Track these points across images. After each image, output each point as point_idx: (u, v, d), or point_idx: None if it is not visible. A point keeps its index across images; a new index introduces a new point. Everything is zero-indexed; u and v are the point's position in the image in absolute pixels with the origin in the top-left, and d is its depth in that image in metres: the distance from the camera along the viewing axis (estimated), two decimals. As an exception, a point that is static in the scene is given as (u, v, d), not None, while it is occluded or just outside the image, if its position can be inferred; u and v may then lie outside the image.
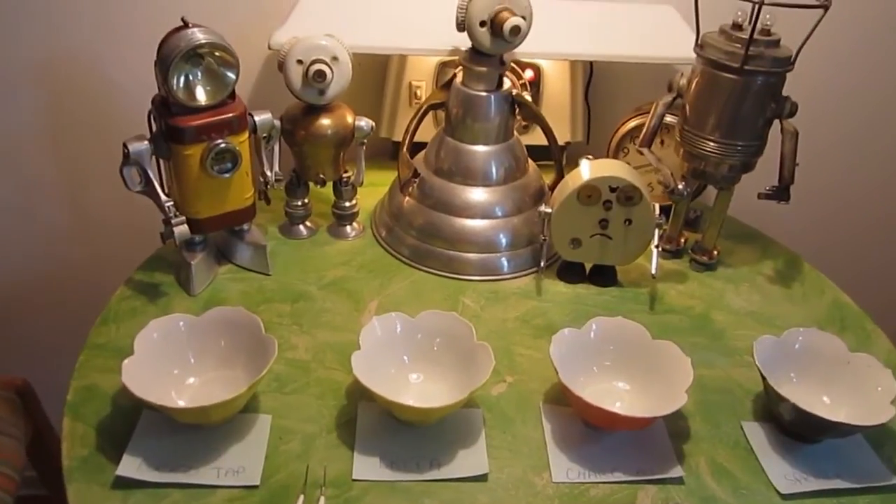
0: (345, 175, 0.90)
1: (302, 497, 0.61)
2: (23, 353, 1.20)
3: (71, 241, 1.11)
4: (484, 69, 0.84)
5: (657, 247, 0.83)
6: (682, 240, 0.93)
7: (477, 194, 0.88)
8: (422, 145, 0.92)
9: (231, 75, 0.75)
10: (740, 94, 0.79)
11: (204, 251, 0.83)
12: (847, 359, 0.72)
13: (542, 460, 0.66)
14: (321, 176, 0.88)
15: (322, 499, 0.61)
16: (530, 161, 0.93)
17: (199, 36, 0.72)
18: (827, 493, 0.66)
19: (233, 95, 0.77)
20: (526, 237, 0.89)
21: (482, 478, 0.64)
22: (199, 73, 0.74)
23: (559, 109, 1.03)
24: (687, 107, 0.84)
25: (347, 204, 0.91)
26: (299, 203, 0.90)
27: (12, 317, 1.18)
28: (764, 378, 0.69)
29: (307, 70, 0.80)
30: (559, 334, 0.70)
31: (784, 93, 0.81)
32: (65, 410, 0.67)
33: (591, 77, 1.06)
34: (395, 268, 0.88)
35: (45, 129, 1.05)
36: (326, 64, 0.80)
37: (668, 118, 0.88)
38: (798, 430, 0.69)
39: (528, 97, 0.99)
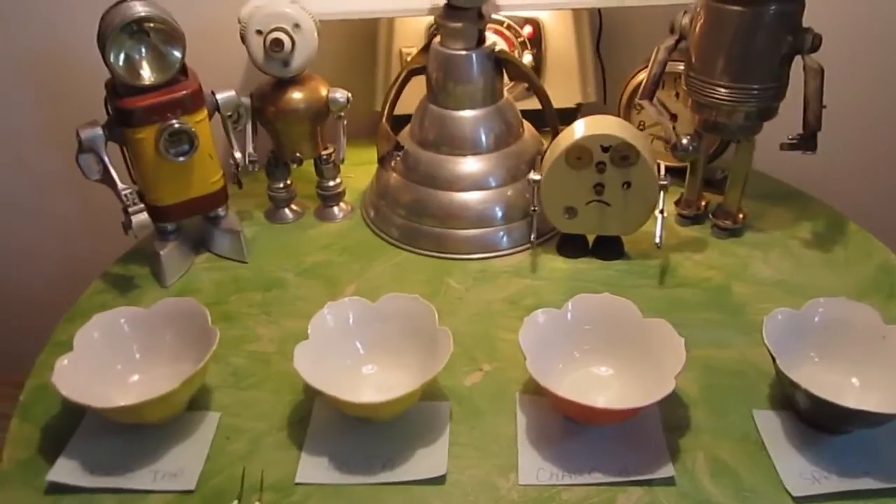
0: (325, 152, 0.84)
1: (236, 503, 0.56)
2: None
3: (83, 236, 1.10)
4: (460, 25, 0.76)
5: (661, 212, 0.73)
6: (703, 203, 0.82)
7: (466, 164, 0.80)
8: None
9: (176, 53, 0.70)
10: (750, 28, 0.68)
11: (177, 240, 0.79)
12: (882, 332, 0.61)
13: (511, 459, 0.59)
14: (298, 154, 0.82)
15: (257, 504, 0.56)
16: (526, 125, 0.84)
17: (137, 9, 0.68)
18: (851, 494, 0.55)
19: (185, 72, 0.73)
20: (522, 209, 0.80)
21: (439, 480, 0.57)
22: (144, 50, 0.69)
23: (566, 67, 0.93)
24: (692, 50, 0.73)
25: (331, 183, 0.85)
26: (281, 185, 0.85)
27: (27, 317, 1.19)
28: (774, 359, 0.58)
29: (265, 40, 0.75)
30: (531, 317, 0.62)
31: (805, 23, 0.70)
32: (14, 411, 0.65)
33: (601, 29, 0.96)
34: (380, 250, 0.82)
35: (48, 125, 1.04)
36: (286, 32, 0.75)
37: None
38: (817, 420, 0.59)
39: (528, 56, 0.91)
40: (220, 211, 0.80)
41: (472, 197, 0.80)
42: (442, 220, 0.80)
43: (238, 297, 0.76)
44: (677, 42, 0.74)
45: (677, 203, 0.83)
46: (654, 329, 0.61)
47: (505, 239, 0.81)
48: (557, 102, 0.92)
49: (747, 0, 0.67)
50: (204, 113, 0.73)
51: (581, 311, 0.63)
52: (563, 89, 0.93)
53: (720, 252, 0.79)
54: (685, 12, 0.73)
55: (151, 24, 0.68)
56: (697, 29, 0.72)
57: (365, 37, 0.97)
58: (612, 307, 0.63)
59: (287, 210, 0.87)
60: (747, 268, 0.76)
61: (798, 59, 0.71)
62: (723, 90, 0.71)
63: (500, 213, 0.80)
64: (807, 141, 0.72)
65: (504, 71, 0.80)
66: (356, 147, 0.92)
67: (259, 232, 0.85)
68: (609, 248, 0.78)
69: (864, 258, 0.77)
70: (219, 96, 0.76)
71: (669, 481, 0.56)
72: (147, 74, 0.69)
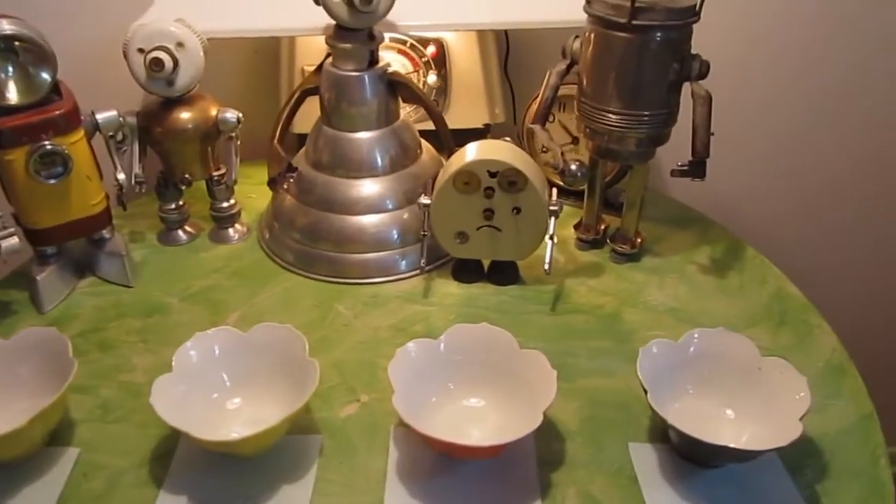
0: (216, 174, 0.81)
1: (82, 547, 0.53)
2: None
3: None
4: (349, 46, 0.74)
5: (551, 237, 0.72)
6: (602, 227, 0.82)
7: (361, 187, 0.78)
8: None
9: (45, 75, 0.67)
10: (637, 55, 0.68)
11: (57, 264, 0.76)
12: (758, 364, 0.60)
13: (378, 496, 0.57)
14: (187, 176, 0.80)
15: (105, 548, 0.53)
16: (426, 146, 0.83)
17: (2, 27, 0.65)
18: (718, 530, 0.54)
19: (59, 92, 0.70)
20: (418, 232, 0.78)
21: (299, 519, 0.55)
22: (11, 69, 0.66)
23: (473, 88, 0.92)
24: (583, 75, 0.72)
25: (224, 205, 0.83)
26: (172, 206, 0.83)
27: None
28: (646, 392, 0.57)
29: (145, 59, 0.72)
30: (403, 349, 0.60)
31: (694, 49, 0.69)
32: None
33: (509, 50, 0.95)
34: (272, 274, 0.80)
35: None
36: (168, 51, 0.72)
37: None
38: (688, 454, 0.58)
39: (433, 76, 0.90)
40: (105, 233, 0.77)
41: (368, 220, 0.79)
42: (337, 244, 0.78)
43: (117, 324, 0.73)
44: (569, 66, 0.73)
45: (577, 227, 0.82)
46: (530, 360, 0.60)
47: (402, 263, 0.79)
48: (465, 123, 0.92)
49: (633, 27, 0.66)
50: (80, 134, 0.71)
51: (456, 343, 0.62)
52: (470, 110, 0.92)
53: (616, 277, 0.78)
54: (576, 37, 0.73)
55: (18, 44, 0.66)
56: (588, 54, 0.71)
57: (269, 54, 0.95)
58: (489, 338, 0.62)
59: (180, 231, 0.84)
60: (641, 294, 0.76)
61: (687, 85, 0.70)
62: (613, 116, 0.71)
63: (396, 237, 0.79)
64: (695, 168, 0.71)
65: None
66: (259, 166, 0.90)
67: (149, 255, 0.82)
68: (504, 273, 0.77)
69: (758, 285, 0.77)
70: (98, 116, 0.73)
71: (537, 518, 0.55)
72: (13, 95, 0.66)
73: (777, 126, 1.01)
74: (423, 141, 0.83)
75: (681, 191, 0.96)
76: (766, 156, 1.03)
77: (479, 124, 0.93)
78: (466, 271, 0.77)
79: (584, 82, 0.72)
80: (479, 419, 0.61)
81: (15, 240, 0.70)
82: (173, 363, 0.60)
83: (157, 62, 0.71)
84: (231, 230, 0.84)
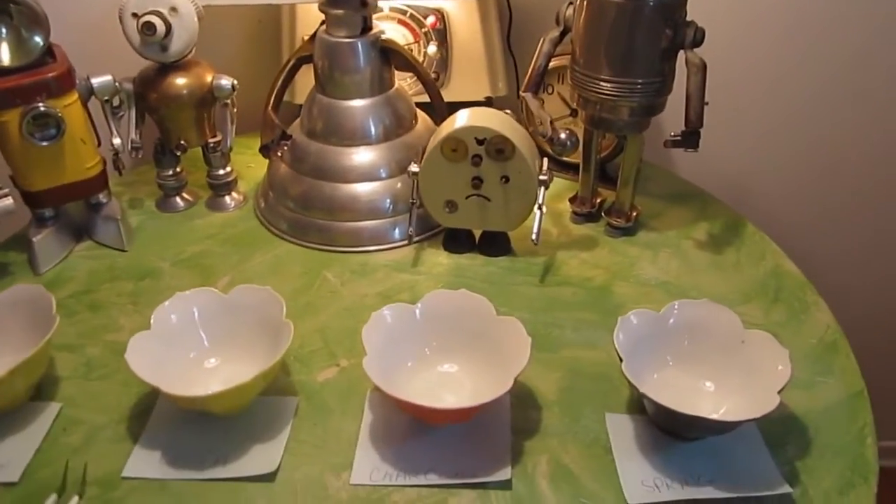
0: (212, 141, 0.82)
1: (54, 497, 0.54)
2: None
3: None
4: (341, 12, 0.74)
5: (540, 207, 0.71)
6: (597, 200, 0.80)
7: (354, 156, 0.78)
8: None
9: (38, 38, 0.68)
10: (629, 21, 0.66)
11: (54, 227, 0.77)
12: (741, 337, 0.59)
13: (349, 458, 0.57)
14: (182, 142, 0.80)
15: (76, 498, 0.54)
16: (421, 116, 0.82)
17: (-7, -13, 0.66)
18: (691, 503, 0.53)
19: (53, 55, 0.71)
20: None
21: (268, 477, 0.55)
22: (4, 31, 0.67)
23: (474, 60, 0.91)
24: (575, 43, 0.71)
25: (220, 172, 0.83)
26: (169, 173, 0.83)
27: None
28: (621, 361, 0.56)
29: (138, 23, 0.73)
30: (378, 313, 0.60)
31: (697, 18, 0.67)
32: None
33: (511, 20, 0.93)
34: (264, 241, 0.80)
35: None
36: (161, 16, 0.73)
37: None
38: (664, 426, 0.57)
39: (433, 47, 0.89)
40: (102, 197, 0.78)
41: (360, 189, 0.78)
42: (330, 212, 0.78)
43: (109, 287, 0.74)
44: (563, 34, 0.72)
45: (572, 201, 0.81)
46: (506, 327, 0.59)
47: (394, 232, 0.79)
48: (466, 96, 0.91)
49: (625, -9, 0.65)
50: (74, 97, 0.71)
51: (433, 309, 0.61)
52: (471, 82, 0.91)
53: (609, 251, 0.77)
54: (570, 3, 0.71)
55: (13, 6, 0.67)
56: (580, 21, 0.69)
57: (272, 23, 0.95)
58: (467, 304, 0.61)
59: (178, 198, 0.85)
60: (633, 268, 0.74)
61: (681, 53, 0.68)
62: (606, 85, 0.69)
63: (389, 206, 0.78)
64: (688, 138, 0.69)
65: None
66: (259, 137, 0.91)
67: (146, 220, 0.83)
68: (495, 245, 0.76)
69: (755, 261, 0.75)
70: (93, 81, 0.74)
71: (505, 485, 0.54)
72: (6, 57, 0.67)
73: (784, 102, 0.98)
74: (418, 111, 0.83)
75: (685, 166, 0.94)
76: (773, 132, 1.00)
77: (480, 97, 0.92)
78: (457, 241, 0.77)
79: (577, 50, 0.71)
80: (453, 384, 0.60)
81: (9, 200, 0.71)
82: (152, 321, 0.61)
83: (149, 26, 0.72)
84: (227, 198, 0.85)
